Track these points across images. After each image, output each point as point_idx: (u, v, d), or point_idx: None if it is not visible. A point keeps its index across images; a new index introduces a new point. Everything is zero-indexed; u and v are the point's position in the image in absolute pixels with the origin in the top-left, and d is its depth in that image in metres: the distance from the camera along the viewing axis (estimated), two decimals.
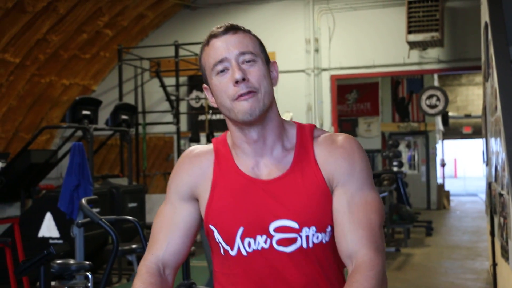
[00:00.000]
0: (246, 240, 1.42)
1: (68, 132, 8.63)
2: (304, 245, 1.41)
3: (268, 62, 1.47)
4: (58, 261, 3.62)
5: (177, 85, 9.27)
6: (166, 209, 1.53)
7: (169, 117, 9.61)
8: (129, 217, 3.55)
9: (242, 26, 1.47)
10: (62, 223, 5.94)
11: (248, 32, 1.47)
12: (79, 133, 7.08)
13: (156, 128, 10.07)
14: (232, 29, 1.44)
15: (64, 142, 7.44)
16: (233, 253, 1.44)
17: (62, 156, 7.28)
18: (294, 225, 1.41)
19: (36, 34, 8.00)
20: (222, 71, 1.42)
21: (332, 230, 1.44)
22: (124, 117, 7.18)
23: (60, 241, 5.89)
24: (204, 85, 1.51)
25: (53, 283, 3.63)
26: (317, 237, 1.42)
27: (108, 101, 9.26)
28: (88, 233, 5.85)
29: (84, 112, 6.41)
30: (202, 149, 1.54)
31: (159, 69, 9.50)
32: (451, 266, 7.70)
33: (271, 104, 1.45)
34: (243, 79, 1.39)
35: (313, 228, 1.41)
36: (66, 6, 8.04)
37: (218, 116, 9.67)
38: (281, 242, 1.41)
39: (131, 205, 6.83)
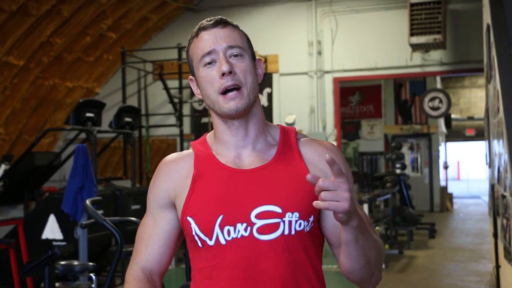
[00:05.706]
0: (226, 228, 1.39)
1: (71, 135, 8.64)
2: (286, 231, 1.39)
3: (254, 58, 1.50)
4: (62, 262, 3.64)
5: (180, 88, 9.30)
6: (147, 220, 1.54)
7: (172, 120, 9.63)
8: (133, 218, 3.56)
9: (231, 21, 1.50)
10: (65, 225, 5.95)
11: (237, 27, 1.50)
12: (83, 135, 7.10)
13: (159, 130, 10.09)
14: (222, 23, 1.48)
15: (67, 145, 7.46)
16: (211, 242, 1.40)
17: (65, 158, 7.30)
18: (277, 209, 1.39)
19: (40, 37, 8.02)
20: (210, 63, 1.43)
21: (315, 221, 1.45)
22: (127, 119, 7.21)
23: (64, 243, 5.90)
24: (190, 77, 1.53)
25: (57, 284, 3.65)
26: (300, 224, 1.41)
27: (111, 104, 9.29)
28: (91, 235, 5.88)
29: (88, 114, 6.42)
30: (179, 154, 1.55)
31: (162, 72, 9.52)
32: (455, 268, 7.70)
33: (256, 100, 1.48)
34: (230, 72, 1.41)
35: (297, 214, 1.39)
36: (70, 9, 8.07)
37: None
38: (262, 229, 1.38)
39: (134, 207, 6.85)
